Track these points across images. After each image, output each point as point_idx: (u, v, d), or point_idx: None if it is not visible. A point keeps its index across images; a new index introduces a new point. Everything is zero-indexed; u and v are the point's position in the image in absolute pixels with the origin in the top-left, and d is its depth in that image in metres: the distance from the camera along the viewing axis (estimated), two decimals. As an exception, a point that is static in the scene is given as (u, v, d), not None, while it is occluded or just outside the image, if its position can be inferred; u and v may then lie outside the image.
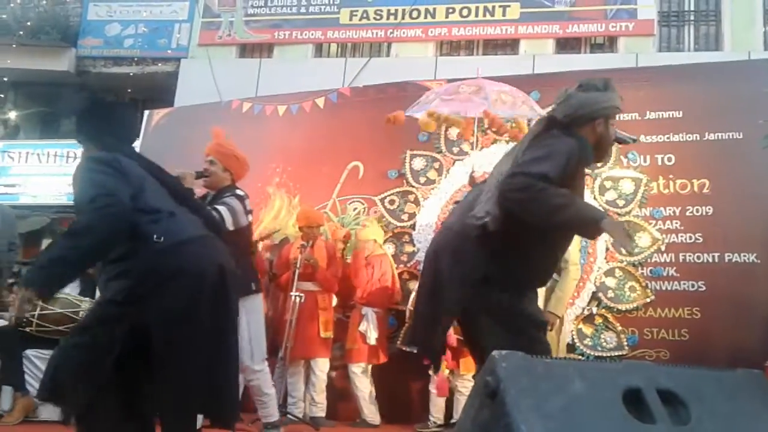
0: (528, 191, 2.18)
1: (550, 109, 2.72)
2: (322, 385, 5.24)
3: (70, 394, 2.24)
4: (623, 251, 2.16)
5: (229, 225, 3.60)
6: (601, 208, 5.29)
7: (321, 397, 5.22)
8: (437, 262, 2.48)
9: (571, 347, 5.20)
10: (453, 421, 4.91)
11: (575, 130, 2.41)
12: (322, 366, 5.25)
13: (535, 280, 2.59)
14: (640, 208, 5.40)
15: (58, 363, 2.28)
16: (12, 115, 12.43)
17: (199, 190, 3.81)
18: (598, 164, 5.56)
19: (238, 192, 3.83)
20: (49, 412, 4.45)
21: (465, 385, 4.90)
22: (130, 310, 2.23)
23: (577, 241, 5.38)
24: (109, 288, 2.32)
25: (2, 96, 12.65)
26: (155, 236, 2.28)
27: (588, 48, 10.30)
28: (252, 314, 3.80)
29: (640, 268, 5.26)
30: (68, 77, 11.94)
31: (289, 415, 4.98)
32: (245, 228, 3.84)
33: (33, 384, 4.39)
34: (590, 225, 2.18)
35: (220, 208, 3.63)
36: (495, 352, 1.39)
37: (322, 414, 5.20)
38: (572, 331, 5.23)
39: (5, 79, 12.30)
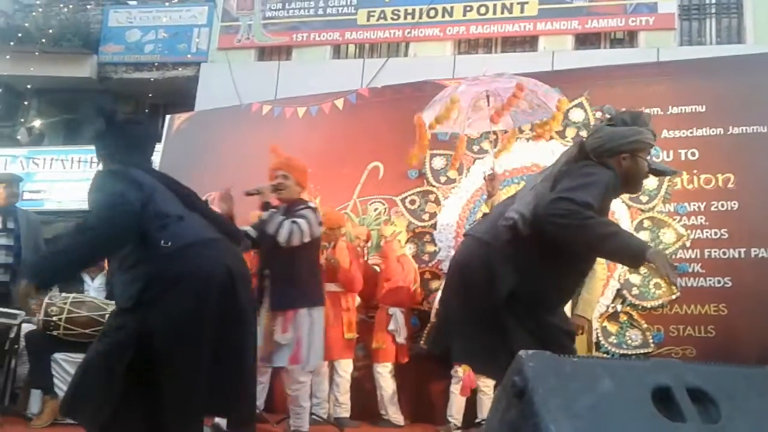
0: (573, 218, 2.20)
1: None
2: (346, 385, 5.25)
3: (90, 409, 2.28)
4: (669, 281, 2.17)
5: (307, 236, 3.79)
6: (625, 205, 5.36)
7: (345, 398, 5.23)
8: (466, 272, 2.52)
9: (596, 345, 5.16)
10: (477, 420, 4.90)
11: (606, 161, 2.43)
12: (345, 367, 5.26)
13: (561, 298, 2.63)
14: (663, 204, 5.35)
15: (79, 377, 2.34)
16: (36, 122, 12.61)
17: (275, 203, 4.00)
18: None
19: (311, 204, 4.03)
20: (78, 414, 4.50)
21: (487, 384, 4.89)
22: (138, 316, 2.28)
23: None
24: (122, 295, 2.38)
25: (26, 103, 12.84)
26: (163, 241, 2.33)
27: (608, 43, 10.22)
28: (315, 325, 3.91)
29: (664, 265, 5.20)
30: (90, 83, 12.10)
31: (313, 416, 4.99)
32: (318, 239, 4.05)
33: (61, 387, 4.44)
34: (636, 255, 2.19)
35: (299, 221, 3.78)
36: (522, 352, 1.39)
37: (347, 414, 5.21)
38: (597, 329, 5.19)
39: (29, 86, 12.49)
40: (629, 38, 10.13)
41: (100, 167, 2.67)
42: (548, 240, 2.26)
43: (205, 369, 2.30)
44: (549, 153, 5.35)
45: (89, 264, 2.52)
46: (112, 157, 2.60)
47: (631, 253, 2.20)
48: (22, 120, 12.75)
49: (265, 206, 3.89)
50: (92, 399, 2.25)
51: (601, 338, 5.18)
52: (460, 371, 4.93)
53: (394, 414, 5.26)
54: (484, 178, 4.59)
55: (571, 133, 5.74)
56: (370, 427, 5.26)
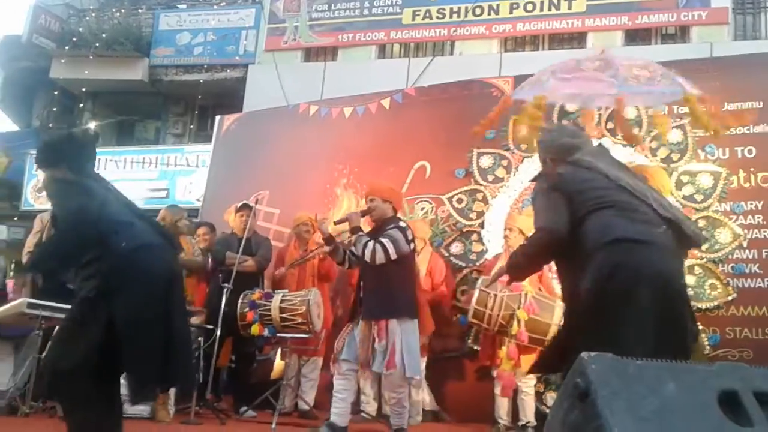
0: None
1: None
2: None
3: (69, 389, 2.66)
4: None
5: (392, 255, 4.06)
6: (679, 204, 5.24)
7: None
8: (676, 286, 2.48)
9: (648, 347, 5.07)
10: (521, 423, 4.85)
11: None
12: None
13: None
14: (719, 203, 5.22)
15: (55, 361, 2.71)
16: (91, 124, 12.97)
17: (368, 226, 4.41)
18: (674, 159, 5.43)
19: (401, 224, 4.26)
20: (135, 408, 4.63)
21: (529, 385, 4.85)
22: (102, 304, 2.67)
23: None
24: (83, 287, 2.75)
25: (81, 106, 13.23)
26: (122, 243, 2.74)
27: (659, 39, 10.01)
28: (410, 335, 4.12)
29: (720, 265, 5.08)
30: (142, 86, 12.41)
31: (362, 414, 5.03)
32: (408, 255, 4.23)
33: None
34: None
35: (384, 240, 4.08)
36: (584, 354, 1.38)
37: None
38: (649, 330, 5.09)
39: (83, 89, 12.86)
40: (681, 33, 9.90)
41: (50, 174, 2.99)
42: None
43: (159, 348, 2.71)
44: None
45: (68, 263, 2.86)
46: (70, 167, 2.93)
47: None
48: (78, 122, 13.14)
49: (354, 230, 4.25)
50: (71, 379, 2.63)
51: (654, 340, 5.08)
52: (498, 372, 4.88)
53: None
54: None
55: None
56: (418, 425, 5.26)
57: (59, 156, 2.97)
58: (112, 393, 2.80)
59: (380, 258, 4.05)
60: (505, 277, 3.01)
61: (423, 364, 5.21)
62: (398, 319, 4.08)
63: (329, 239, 4.37)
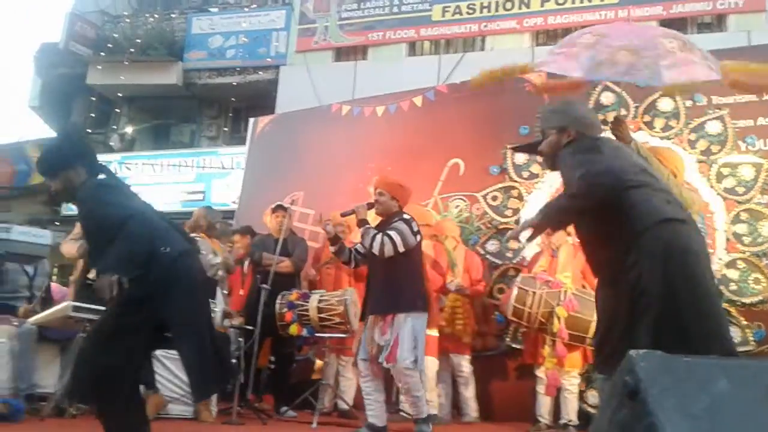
0: None
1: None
2: (432, 383, 5.25)
3: (112, 389, 2.69)
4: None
5: (400, 247, 4.05)
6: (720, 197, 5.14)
7: (432, 395, 5.23)
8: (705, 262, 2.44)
9: (692, 343, 4.97)
10: (562, 421, 4.80)
11: None
12: (430, 364, 5.26)
13: None
14: (761, 195, 5.10)
15: (100, 361, 2.68)
16: (128, 129, 13.22)
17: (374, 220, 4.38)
18: (714, 151, 5.33)
19: (405, 216, 4.24)
20: (178, 409, 4.71)
21: (572, 383, 4.80)
22: (147, 308, 2.70)
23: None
24: (130, 289, 2.73)
25: (117, 111, 13.48)
26: (162, 248, 2.74)
27: (695, 28, 9.83)
28: (415, 329, 4.07)
29: (764, 259, 4.97)
30: (177, 90, 12.60)
31: (401, 413, 5.04)
32: (415, 248, 4.21)
33: (162, 383, 4.65)
34: None
35: (391, 233, 4.07)
36: (632, 351, 1.36)
37: (434, 411, 5.21)
38: (693, 326, 5.00)
39: (120, 94, 13.11)
40: (717, 22, 9.71)
41: (70, 177, 2.88)
42: None
43: (212, 348, 2.77)
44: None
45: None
46: (91, 168, 2.90)
47: None
48: (114, 127, 13.41)
49: (361, 223, 4.21)
50: (116, 379, 2.69)
51: (697, 335, 4.98)
52: (542, 371, 4.85)
53: (474, 412, 5.26)
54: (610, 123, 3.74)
55: (659, 123, 5.55)
56: (459, 425, 5.25)
57: (74, 156, 2.91)
58: (139, 392, 2.95)
59: (389, 250, 4.03)
60: (529, 231, 2.70)
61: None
62: (407, 313, 4.05)
63: (334, 239, 4.36)
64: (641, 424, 1.29)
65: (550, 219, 2.64)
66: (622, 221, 2.37)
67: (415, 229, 4.20)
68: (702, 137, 5.39)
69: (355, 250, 4.38)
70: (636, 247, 2.31)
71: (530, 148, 2.84)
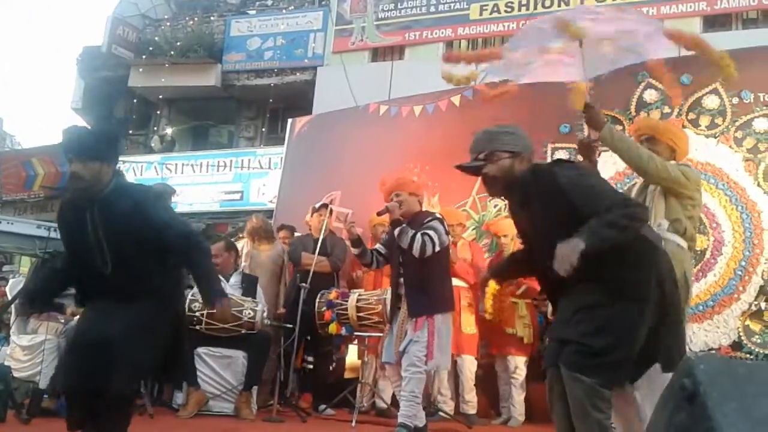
0: None
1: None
2: (470, 383, 5.22)
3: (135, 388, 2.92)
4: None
5: (438, 246, 3.99)
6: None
7: (471, 395, 5.20)
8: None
9: (737, 345, 4.86)
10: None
11: None
12: (469, 364, 5.23)
13: None
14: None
15: (141, 361, 2.71)
16: (168, 130, 13.43)
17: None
18: (761, 149, 5.18)
19: (437, 215, 4.23)
20: (220, 406, 4.77)
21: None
22: (170, 307, 2.83)
23: (740, 228, 5.03)
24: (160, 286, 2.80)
25: (158, 112, 13.71)
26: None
27: (740, 24, 9.59)
28: (444, 328, 4.04)
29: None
30: (215, 91, 12.76)
31: (440, 413, 5.02)
32: (447, 247, 4.22)
33: (204, 380, 4.71)
34: None
35: (430, 232, 4.00)
36: (691, 354, 1.34)
37: (473, 411, 5.19)
38: (739, 328, 4.88)
39: (160, 96, 13.32)
40: (763, 17, 9.45)
41: (106, 170, 2.76)
42: None
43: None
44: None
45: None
46: (115, 165, 2.83)
47: None
48: (155, 128, 13.63)
49: (395, 223, 4.09)
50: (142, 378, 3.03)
51: (743, 338, 4.87)
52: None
53: (518, 414, 5.19)
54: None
55: (705, 121, 5.42)
56: (497, 426, 5.21)
57: (113, 152, 2.82)
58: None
59: (429, 251, 3.95)
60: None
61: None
62: (443, 314, 4.02)
63: (356, 241, 4.27)
64: (701, 427, 1.25)
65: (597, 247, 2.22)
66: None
67: (446, 227, 4.19)
68: (749, 135, 5.25)
69: (377, 251, 4.35)
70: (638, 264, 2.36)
71: (475, 170, 2.66)
